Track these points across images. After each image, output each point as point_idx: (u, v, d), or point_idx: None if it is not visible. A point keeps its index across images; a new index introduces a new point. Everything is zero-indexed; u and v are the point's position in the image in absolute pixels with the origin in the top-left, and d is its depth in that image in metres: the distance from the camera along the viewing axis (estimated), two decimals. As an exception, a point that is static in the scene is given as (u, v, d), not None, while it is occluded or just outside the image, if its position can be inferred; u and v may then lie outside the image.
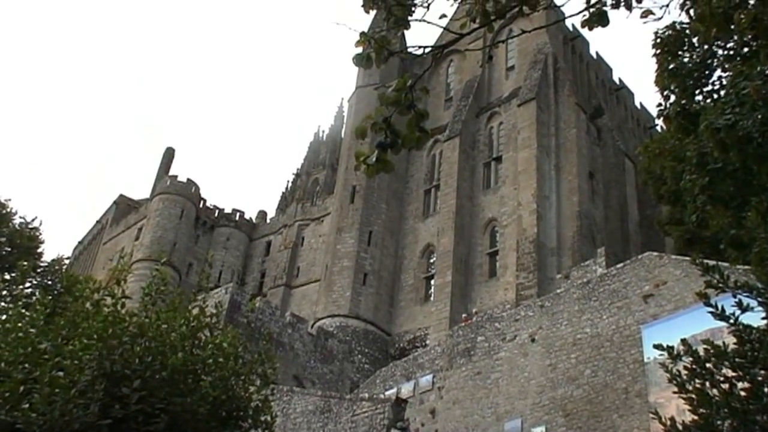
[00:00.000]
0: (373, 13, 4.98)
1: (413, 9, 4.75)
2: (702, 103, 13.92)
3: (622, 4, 4.87)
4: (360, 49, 4.77)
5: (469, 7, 5.03)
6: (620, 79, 58.39)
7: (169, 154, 72.10)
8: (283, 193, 79.32)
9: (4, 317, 9.10)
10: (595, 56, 56.45)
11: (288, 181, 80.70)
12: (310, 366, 38.63)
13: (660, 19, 5.25)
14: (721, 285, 7.15)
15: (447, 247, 44.11)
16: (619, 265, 26.42)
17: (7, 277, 21.96)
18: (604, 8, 4.93)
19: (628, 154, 49.67)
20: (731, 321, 7.02)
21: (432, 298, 44.28)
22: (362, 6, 4.77)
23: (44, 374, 7.45)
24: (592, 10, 4.93)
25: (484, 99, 51.23)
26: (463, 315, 35.70)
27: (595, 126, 49.81)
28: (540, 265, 39.46)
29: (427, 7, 4.76)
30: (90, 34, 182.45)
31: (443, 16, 4.88)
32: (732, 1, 7.26)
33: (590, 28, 5.07)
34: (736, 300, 7.09)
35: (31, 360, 7.95)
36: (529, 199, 42.06)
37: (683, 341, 7.36)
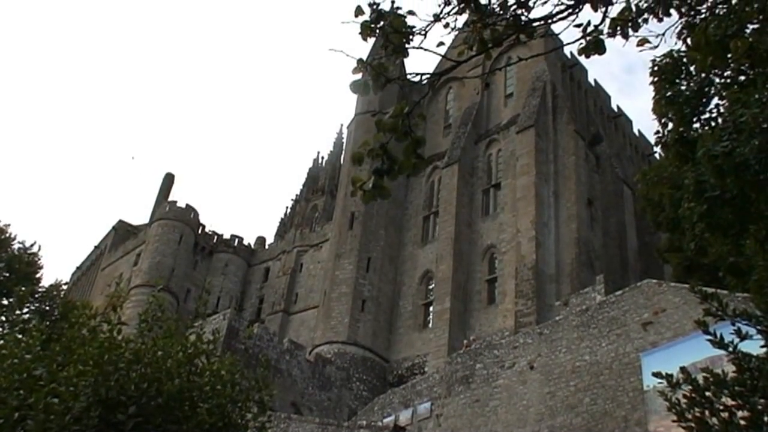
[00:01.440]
0: (371, 40, 5.01)
1: (411, 37, 4.78)
2: (699, 131, 13.97)
3: (619, 32, 4.90)
4: (358, 76, 4.79)
5: (466, 35, 5.06)
6: (618, 107, 58.62)
7: (168, 180, 72.29)
8: (281, 219, 79.29)
9: (0, 343, 9.05)
10: (593, 83, 56.72)
11: (287, 207, 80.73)
12: (308, 393, 38.40)
13: (657, 47, 5.28)
14: (719, 313, 7.14)
15: (446, 273, 44.01)
16: (618, 293, 26.35)
17: (5, 302, 21.91)
18: (601, 36, 4.96)
19: (626, 182, 49.70)
20: (730, 349, 6.99)
21: (431, 325, 44.12)
22: (360, 33, 4.79)
23: (39, 400, 7.39)
24: (589, 38, 4.96)
25: (483, 126, 51.41)
26: (464, 341, 35.54)
27: (594, 153, 49.92)
28: (539, 292, 39.35)
29: (425, 35, 4.79)
30: (88, 59, 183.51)
31: (441, 44, 4.90)
32: (728, 29, 7.31)
33: (587, 56, 5.09)
34: (735, 328, 7.07)
35: (26, 386, 7.89)
36: (527, 226, 42.03)
37: (682, 369, 7.32)
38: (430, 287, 46.59)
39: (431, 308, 45.11)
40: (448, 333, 41.01)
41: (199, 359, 9.05)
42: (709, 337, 7.02)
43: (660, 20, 5.48)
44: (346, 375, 41.85)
